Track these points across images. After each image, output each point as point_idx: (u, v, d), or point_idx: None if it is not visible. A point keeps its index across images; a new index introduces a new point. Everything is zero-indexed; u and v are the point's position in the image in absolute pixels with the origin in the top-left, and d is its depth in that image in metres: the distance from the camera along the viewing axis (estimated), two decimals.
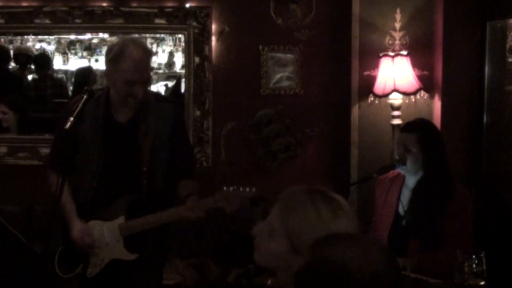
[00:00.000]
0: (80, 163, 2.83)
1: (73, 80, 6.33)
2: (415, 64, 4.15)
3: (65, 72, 6.43)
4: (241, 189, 2.70)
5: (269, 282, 1.84)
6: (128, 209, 2.78)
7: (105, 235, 2.80)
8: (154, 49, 5.73)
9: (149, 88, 2.97)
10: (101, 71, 6.35)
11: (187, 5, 4.42)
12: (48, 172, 2.90)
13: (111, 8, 4.42)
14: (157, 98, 2.95)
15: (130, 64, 2.64)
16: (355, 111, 4.30)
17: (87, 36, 6.05)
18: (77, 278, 2.83)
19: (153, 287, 2.95)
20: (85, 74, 6.08)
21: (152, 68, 5.28)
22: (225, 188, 2.70)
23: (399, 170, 3.00)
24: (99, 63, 6.28)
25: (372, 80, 4.19)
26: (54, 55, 6.32)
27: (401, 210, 2.99)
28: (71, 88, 6.27)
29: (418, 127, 3.00)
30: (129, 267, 2.81)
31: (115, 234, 2.79)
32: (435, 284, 2.57)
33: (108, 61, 2.71)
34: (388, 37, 4.24)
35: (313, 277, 1.31)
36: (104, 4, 4.44)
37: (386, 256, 1.31)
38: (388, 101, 4.12)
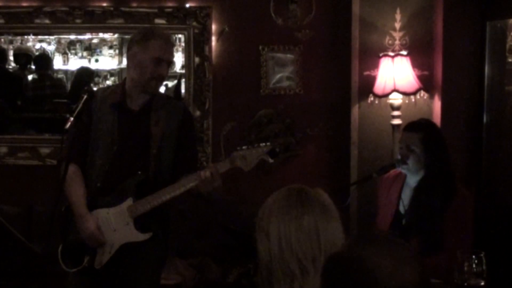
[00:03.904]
0: (92, 148, 2.86)
1: (72, 79, 6.34)
2: (415, 64, 4.14)
3: (65, 72, 6.44)
4: (255, 145, 2.74)
5: None
6: (135, 190, 2.78)
7: (112, 222, 2.79)
8: None
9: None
10: (101, 71, 6.38)
11: (187, 5, 4.42)
12: (68, 165, 2.77)
13: (111, 8, 4.42)
14: (168, 97, 3.13)
15: (160, 41, 2.78)
16: (355, 111, 4.30)
17: (87, 36, 6.05)
18: (82, 272, 2.81)
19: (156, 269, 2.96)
20: (86, 74, 6.09)
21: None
22: (238, 148, 2.73)
23: (401, 169, 3.00)
24: (99, 63, 6.30)
25: (372, 80, 4.19)
26: (54, 55, 6.33)
27: (401, 209, 2.99)
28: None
29: (422, 127, 2.99)
30: (136, 254, 2.81)
31: (123, 217, 2.78)
32: (435, 284, 2.57)
33: (136, 42, 2.81)
34: (388, 37, 4.24)
35: (341, 269, 1.31)
36: (104, 4, 4.44)
37: (419, 275, 1.28)
38: (388, 101, 4.12)
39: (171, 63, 2.88)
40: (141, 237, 2.79)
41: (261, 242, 1.66)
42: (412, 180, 2.99)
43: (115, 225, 2.79)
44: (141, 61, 2.79)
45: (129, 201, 2.78)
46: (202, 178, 2.69)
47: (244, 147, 2.74)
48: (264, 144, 2.75)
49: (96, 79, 6.36)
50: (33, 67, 6.17)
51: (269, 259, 1.64)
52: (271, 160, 2.75)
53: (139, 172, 2.80)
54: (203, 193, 2.74)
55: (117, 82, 6.26)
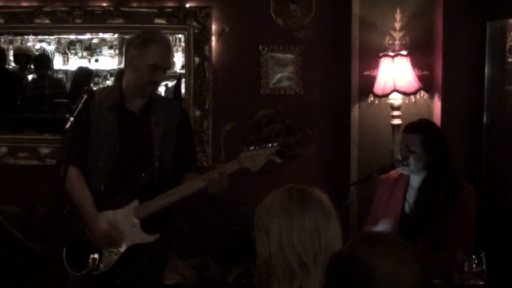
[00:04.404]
0: (92, 151, 2.85)
1: (71, 79, 6.34)
2: (415, 64, 4.15)
3: (65, 72, 6.43)
4: (262, 145, 2.74)
5: None
6: (141, 192, 2.78)
7: (118, 224, 2.78)
8: None
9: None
10: (101, 71, 6.38)
11: (187, 5, 4.42)
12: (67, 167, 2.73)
13: (111, 8, 4.43)
14: (165, 98, 3.02)
15: (158, 48, 2.76)
16: (355, 111, 4.30)
17: (87, 36, 6.06)
18: (86, 276, 2.80)
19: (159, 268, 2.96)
20: (84, 74, 6.09)
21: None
22: (245, 149, 2.73)
23: (402, 170, 3.00)
24: (99, 63, 6.29)
25: (372, 80, 4.19)
26: (54, 55, 6.32)
27: (407, 209, 2.99)
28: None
29: (421, 128, 3.00)
30: (139, 254, 2.80)
31: (129, 219, 2.77)
32: (435, 284, 2.57)
33: (135, 46, 2.79)
34: (388, 37, 4.24)
35: (342, 268, 1.33)
36: (104, 4, 4.45)
37: (419, 276, 1.29)
38: (388, 101, 4.12)
39: (168, 69, 2.86)
40: (149, 238, 2.79)
41: (261, 241, 1.67)
42: (415, 181, 2.99)
43: (122, 227, 2.78)
44: (138, 66, 2.78)
45: (135, 203, 2.77)
46: (211, 178, 2.69)
47: (251, 148, 2.73)
48: (271, 144, 2.74)
49: (96, 79, 6.36)
50: (33, 67, 6.16)
51: (269, 258, 1.65)
52: (279, 160, 2.75)
53: (143, 174, 2.79)
54: (210, 194, 2.74)
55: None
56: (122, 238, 2.78)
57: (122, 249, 2.78)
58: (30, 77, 6.11)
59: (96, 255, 2.78)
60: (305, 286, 1.62)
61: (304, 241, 1.63)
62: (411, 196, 2.99)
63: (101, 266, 2.77)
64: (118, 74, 5.78)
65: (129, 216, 2.77)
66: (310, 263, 1.62)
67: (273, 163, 2.79)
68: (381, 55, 4.14)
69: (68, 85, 6.27)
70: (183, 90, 4.71)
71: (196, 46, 4.44)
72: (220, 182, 2.69)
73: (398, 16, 4.23)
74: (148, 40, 2.76)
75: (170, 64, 2.86)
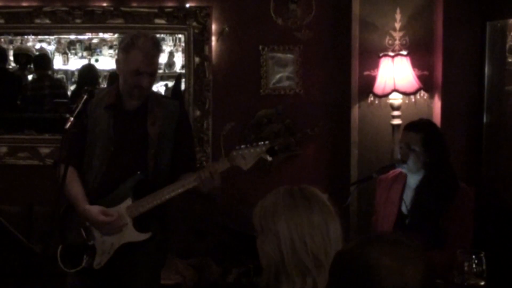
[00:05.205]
0: (89, 150, 2.86)
1: (73, 80, 6.35)
2: (415, 64, 4.15)
3: (65, 72, 6.44)
4: (254, 144, 2.77)
5: None
6: (134, 191, 2.79)
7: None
8: None
9: (153, 86, 3.05)
10: (101, 71, 6.38)
11: (187, 5, 4.42)
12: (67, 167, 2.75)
13: (111, 8, 4.43)
14: (164, 97, 3.02)
15: (139, 54, 2.75)
16: (355, 111, 4.30)
17: (87, 36, 6.06)
18: (81, 273, 2.81)
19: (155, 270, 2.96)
20: (88, 72, 6.09)
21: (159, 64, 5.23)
22: (237, 147, 2.75)
23: (401, 168, 3.01)
24: (99, 63, 6.30)
25: (372, 80, 4.19)
26: (54, 55, 6.32)
27: (404, 209, 2.99)
28: (71, 88, 6.28)
29: (422, 127, 3.01)
30: (135, 253, 2.81)
31: (122, 218, 2.78)
32: (435, 284, 2.56)
33: (120, 50, 2.82)
34: (388, 37, 4.24)
35: (345, 266, 1.33)
36: (104, 4, 4.45)
37: (422, 275, 1.28)
38: (388, 101, 4.12)
39: (153, 73, 2.83)
40: (141, 237, 2.80)
41: (269, 243, 1.67)
42: (413, 181, 3.00)
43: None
44: (123, 70, 2.80)
45: (128, 201, 2.78)
46: (202, 178, 2.70)
47: (242, 146, 2.76)
48: (262, 142, 2.77)
49: None
50: (32, 67, 6.17)
51: (279, 259, 1.65)
52: (269, 158, 2.77)
53: (139, 172, 2.80)
54: (202, 192, 2.75)
55: None
56: (114, 236, 2.78)
57: (114, 247, 2.79)
58: (30, 77, 6.11)
59: (89, 253, 2.79)
60: (319, 282, 1.63)
61: (316, 237, 1.65)
62: (408, 196, 3.00)
63: (95, 263, 2.78)
64: (110, 77, 5.81)
65: (122, 214, 2.78)
66: (323, 258, 1.64)
67: (265, 162, 2.81)
68: (381, 55, 4.14)
69: (68, 85, 6.28)
70: (183, 88, 4.71)
71: (196, 46, 4.44)
72: (212, 181, 2.70)
73: (398, 16, 4.23)
74: (131, 46, 2.76)
75: (153, 69, 2.82)
